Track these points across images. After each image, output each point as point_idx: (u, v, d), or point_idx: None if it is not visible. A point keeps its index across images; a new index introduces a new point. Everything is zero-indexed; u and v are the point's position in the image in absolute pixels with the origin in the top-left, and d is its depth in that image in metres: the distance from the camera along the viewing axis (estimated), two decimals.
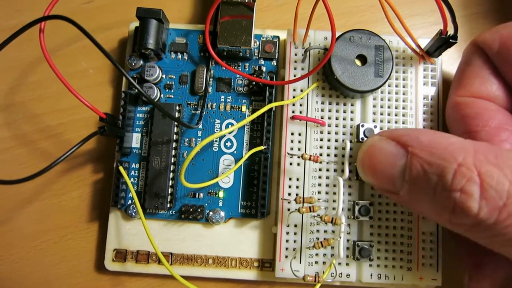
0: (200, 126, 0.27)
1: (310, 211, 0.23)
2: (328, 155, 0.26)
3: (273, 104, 0.25)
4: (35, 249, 0.28)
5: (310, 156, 0.24)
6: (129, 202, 0.27)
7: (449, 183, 0.18)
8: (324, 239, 0.25)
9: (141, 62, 0.27)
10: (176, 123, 0.26)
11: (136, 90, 0.27)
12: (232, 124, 0.27)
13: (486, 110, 0.22)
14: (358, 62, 0.25)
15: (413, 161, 0.19)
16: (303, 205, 0.24)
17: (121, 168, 0.25)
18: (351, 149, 0.25)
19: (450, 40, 0.23)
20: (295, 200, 0.24)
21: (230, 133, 0.27)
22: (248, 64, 0.28)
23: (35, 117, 0.29)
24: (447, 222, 0.19)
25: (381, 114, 0.26)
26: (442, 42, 0.24)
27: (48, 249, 0.28)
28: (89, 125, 0.29)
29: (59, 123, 0.29)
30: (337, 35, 0.25)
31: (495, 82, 0.23)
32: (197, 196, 0.27)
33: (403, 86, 0.26)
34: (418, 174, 0.19)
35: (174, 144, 0.26)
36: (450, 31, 0.23)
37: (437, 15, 0.30)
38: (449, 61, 0.29)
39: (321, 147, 0.26)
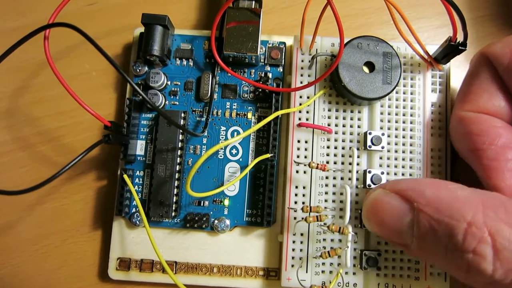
0: (205, 134, 0.27)
1: (317, 220, 0.23)
2: (335, 163, 0.25)
3: (280, 112, 0.25)
4: (37, 253, 0.27)
5: (318, 164, 0.24)
6: (133, 210, 0.26)
7: (460, 244, 0.17)
8: (331, 248, 0.24)
9: (146, 68, 0.27)
10: (181, 131, 0.26)
11: (141, 96, 0.27)
12: (237, 131, 0.27)
13: (492, 127, 0.22)
14: (365, 69, 0.25)
15: (420, 218, 0.19)
16: (309, 214, 0.24)
17: (125, 176, 0.25)
18: (358, 157, 0.25)
19: (460, 48, 0.23)
20: (302, 209, 0.23)
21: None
22: (254, 70, 0.27)
23: (36, 120, 0.29)
24: (462, 279, 0.19)
25: (389, 121, 0.26)
26: (451, 49, 0.24)
27: (50, 253, 0.27)
28: (91, 128, 0.29)
29: (61, 125, 0.29)
30: (344, 41, 0.25)
31: (503, 98, 0.22)
32: (202, 204, 0.26)
33: (411, 93, 0.26)
34: (426, 231, 0.18)
35: (179, 152, 0.26)
36: (459, 38, 0.23)
37: (443, 18, 0.30)
38: (456, 64, 0.29)
39: (328, 155, 0.25)
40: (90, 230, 0.28)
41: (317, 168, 0.24)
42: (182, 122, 0.26)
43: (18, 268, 0.27)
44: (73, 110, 0.29)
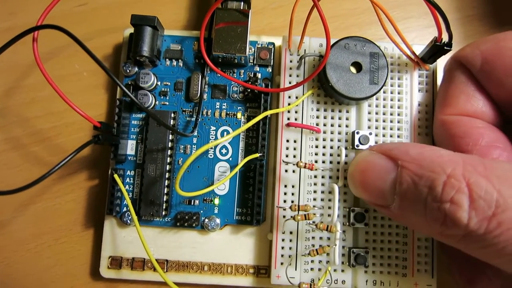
0: (195, 133, 0.27)
1: (306, 219, 0.23)
2: (323, 162, 0.26)
3: (269, 112, 0.25)
4: (29, 252, 0.28)
5: (306, 164, 0.24)
6: (124, 209, 0.26)
7: (439, 195, 0.18)
8: (320, 246, 0.25)
9: (136, 69, 0.27)
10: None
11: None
12: (227, 131, 0.27)
13: (474, 128, 0.22)
14: (353, 69, 0.25)
15: (403, 174, 0.19)
16: (298, 212, 0.24)
17: (116, 176, 0.25)
18: (346, 156, 0.25)
19: (445, 48, 0.24)
20: (291, 208, 0.24)
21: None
22: (243, 70, 0.28)
23: (27, 120, 0.29)
24: (438, 235, 0.19)
25: (376, 121, 0.26)
26: (437, 50, 0.24)
27: (42, 253, 0.28)
28: (83, 128, 0.29)
29: (52, 126, 0.29)
30: (332, 42, 0.25)
31: (481, 98, 0.23)
32: (192, 203, 0.27)
33: (398, 93, 0.26)
34: (408, 187, 0.19)
35: (169, 152, 0.26)
36: (445, 38, 0.23)
37: (431, 18, 0.30)
38: (443, 64, 0.29)
39: (316, 154, 0.26)
40: (82, 230, 0.28)
41: (305, 167, 0.24)
42: (172, 122, 0.26)
43: (11, 268, 0.28)
44: (65, 111, 0.29)
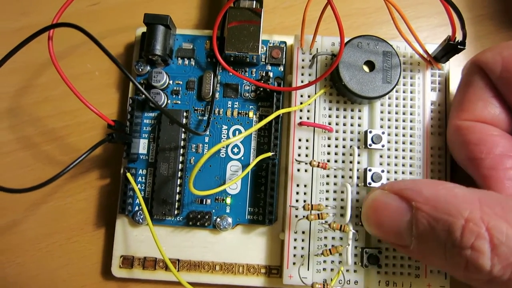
0: (207, 133, 0.27)
1: (319, 218, 0.23)
2: (335, 161, 0.26)
3: (282, 111, 0.25)
4: (41, 251, 0.28)
5: (319, 163, 0.24)
6: (136, 208, 0.26)
7: (458, 240, 0.17)
8: (332, 246, 0.25)
9: (148, 68, 0.27)
10: (183, 130, 0.26)
11: (143, 96, 0.27)
12: (239, 130, 0.27)
13: (489, 135, 0.22)
14: (366, 68, 0.25)
15: (418, 216, 0.19)
16: (310, 212, 0.24)
17: (128, 174, 0.25)
18: (359, 155, 0.25)
19: (459, 47, 0.23)
20: (304, 207, 0.24)
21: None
22: (255, 69, 0.28)
23: (40, 119, 0.29)
24: (462, 278, 0.19)
25: (389, 120, 0.26)
26: (450, 48, 0.24)
27: (54, 252, 0.28)
28: (95, 127, 0.29)
29: (65, 125, 0.29)
30: (345, 41, 0.25)
31: (498, 105, 0.22)
32: (204, 203, 0.26)
33: (411, 92, 0.26)
34: (425, 229, 0.19)
35: (181, 151, 0.26)
36: (458, 37, 0.23)
37: (442, 17, 0.30)
38: (456, 63, 0.29)
39: (328, 153, 0.26)
40: (94, 229, 0.28)
41: (318, 166, 0.24)
42: (184, 121, 0.26)
43: (22, 267, 0.28)
44: (77, 110, 0.29)
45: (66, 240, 0.28)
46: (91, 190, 0.28)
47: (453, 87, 0.29)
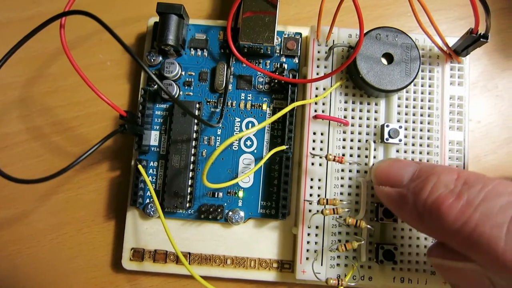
0: (220, 125, 0.26)
1: (334, 213, 0.23)
2: (351, 155, 0.25)
3: (296, 104, 0.24)
4: (51, 242, 0.27)
5: (335, 156, 0.24)
6: (147, 201, 0.26)
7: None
8: (347, 241, 0.24)
9: (160, 58, 0.27)
10: (196, 121, 0.25)
11: (155, 86, 0.26)
12: (252, 123, 0.27)
13: None
14: (384, 61, 0.24)
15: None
16: (325, 206, 0.24)
17: (140, 167, 0.25)
18: (375, 149, 0.25)
19: (481, 39, 0.23)
20: (319, 201, 0.23)
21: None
22: (269, 61, 0.27)
23: (51, 109, 0.29)
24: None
25: (406, 114, 0.25)
26: (472, 41, 0.23)
27: (65, 243, 0.27)
28: (106, 118, 0.29)
29: (75, 116, 0.29)
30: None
31: None
32: (216, 196, 0.26)
33: (429, 86, 0.26)
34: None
35: (194, 143, 0.26)
36: (481, 30, 0.23)
37: (461, 10, 0.30)
38: (475, 58, 0.29)
39: (344, 147, 0.25)
40: (104, 220, 0.28)
41: (334, 160, 0.24)
42: (197, 113, 0.26)
43: (33, 257, 0.27)
44: (88, 100, 0.29)
45: (76, 232, 0.28)
46: (102, 181, 0.28)
47: (473, 81, 0.29)
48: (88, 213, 0.28)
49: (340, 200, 0.24)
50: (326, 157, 0.24)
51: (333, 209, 0.23)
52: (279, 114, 0.23)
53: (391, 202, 0.21)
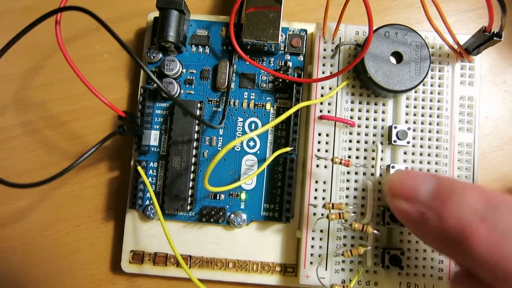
0: (222, 125, 0.26)
1: (340, 218, 0.22)
2: (357, 157, 0.24)
3: (303, 104, 0.24)
4: (48, 238, 0.27)
5: (341, 160, 0.23)
6: (147, 202, 0.25)
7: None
8: (352, 246, 0.24)
9: (160, 55, 0.26)
10: (197, 121, 0.25)
11: (155, 85, 0.26)
12: (255, 123, 0.26)
13: None
14: (393, 60, 0.23)
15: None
16: (330, 211, 0.23)
17: (139, 168, 0.24)
18: (382, 151, 0.24)
19: (494, 38, 0.22)
20: (324, 205, 0.23)
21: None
22: (273, 59, 0.26)
23: (46, 103, 0.28)
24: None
25: (415, 115, 0.25)
26: (485, 40, 0.22)
27: (61, 239, 0.27)
28: (103, 112, 0.28)
29: (72, 109, 0.28)
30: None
31: None
32: (218, 198, 0.25)
33: (439, 86, 0.25)
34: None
35: (195, 144, 0.25)
36: (494, 28, 0.22)
37: (471, 2, 0.29)
38: (485, 57, 0.28)
39: (350, 149, 0.24)
40: (103, 217, 0.27)
41: (340, 163, 0.23)
42: (198, 112, 0.25)
43: (29, 254, 0.27)
44: (85, 94, 0.27)
45: (74, 228, 0.27)
46: (100, 178, 0.27)
47: (483, 81, 0.28)
48: (86, 209, 0.27)
49: (346, 204, 0.23)
50: (332, 160, 0.23)
51: (339, 213, 0.22)
52: (285, 116, 0.23)
53: (410, 221, 0.19)
